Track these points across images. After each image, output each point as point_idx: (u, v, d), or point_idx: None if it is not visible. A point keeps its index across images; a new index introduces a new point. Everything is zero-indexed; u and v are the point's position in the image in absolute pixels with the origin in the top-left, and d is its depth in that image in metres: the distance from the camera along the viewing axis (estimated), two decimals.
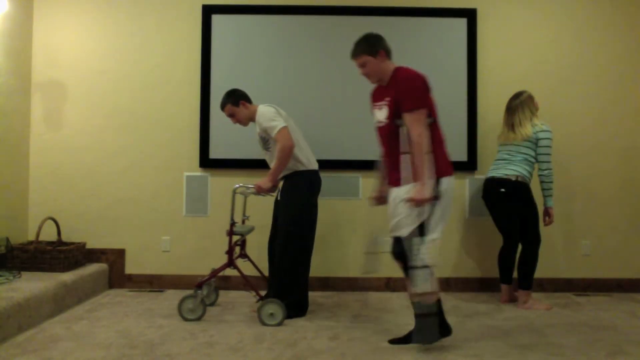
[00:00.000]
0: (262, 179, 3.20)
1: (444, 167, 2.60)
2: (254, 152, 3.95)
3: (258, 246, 3.64)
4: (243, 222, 3.49)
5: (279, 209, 3.30)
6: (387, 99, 2.61)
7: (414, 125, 2.49)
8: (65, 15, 3.99)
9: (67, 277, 3.40)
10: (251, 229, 3.44)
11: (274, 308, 3.03)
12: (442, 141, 2.65)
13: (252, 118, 3.31)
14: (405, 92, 2.53)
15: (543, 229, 3.55)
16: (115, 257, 3.96)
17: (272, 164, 3.21)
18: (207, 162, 3.96)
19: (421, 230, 2.52)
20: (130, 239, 3.97)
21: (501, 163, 3.55)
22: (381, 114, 2.65)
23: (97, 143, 3.98)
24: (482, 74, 4.00)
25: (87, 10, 3.99)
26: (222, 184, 3.97)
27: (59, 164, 3.97)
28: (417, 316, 2.56)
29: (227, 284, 3.89)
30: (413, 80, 2.56)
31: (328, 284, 3.96)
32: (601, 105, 4.03)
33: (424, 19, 4.00)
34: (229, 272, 3.89)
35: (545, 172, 3.46)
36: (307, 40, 3.97)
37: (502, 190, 3.47)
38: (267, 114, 3.21)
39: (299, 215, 3.21)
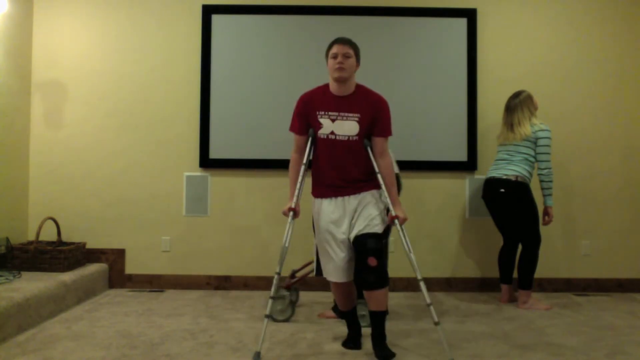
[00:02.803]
0: None
1: None
2: (254, 152, 3.96)
3: None
4: None
5: None
6: (357, 114, 2.53)
7: (388, 151, 2.60)
8: (65, 16, 3.99)
9: (67, 277, 3.39)
10: None
11: (365, 310, 2.95)
12: None
13: None
14: (388, 120, 2.58)
15: (543, 229, 3.55)
16: (115, 257, 3.96)
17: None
18: (207, 162, 3.96)
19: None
20: (130, 239, 3.97)
21: (501, 163, 3.55)
22: (350, 127, 2.55)
23: (97, 143, 3.98)
24: (481, 73, 3.99)
25: (87, 10, 3.99)
26: (222, 184, 3.97)
27: (59, 164, 3.97)
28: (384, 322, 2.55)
29: (228, 283, 3.91)
30: (389, 107, 2.61)
31: (329, 284, 3.93)
32: (601, 105, 4.03)
33: (424, 19, 4.00)
34: (229, 271, 3.87)
35: (545, 171, 3.46)
36: (306, 40, 3.96)
37: (502, 190, 3.46)
38: None
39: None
